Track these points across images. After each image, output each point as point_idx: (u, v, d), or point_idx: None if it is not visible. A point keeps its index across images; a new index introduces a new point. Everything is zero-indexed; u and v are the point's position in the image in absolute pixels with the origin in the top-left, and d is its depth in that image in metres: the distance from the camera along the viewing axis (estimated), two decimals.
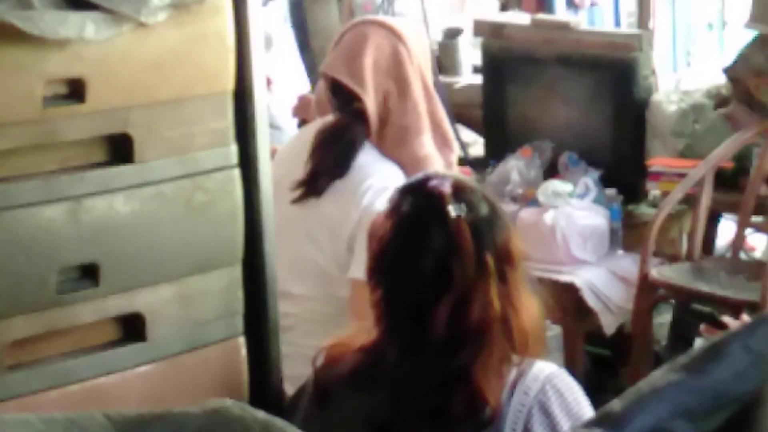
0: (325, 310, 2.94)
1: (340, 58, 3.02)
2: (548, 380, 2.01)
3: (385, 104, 3.01)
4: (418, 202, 2.05)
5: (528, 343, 2.03)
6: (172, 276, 2.15)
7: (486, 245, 2.01)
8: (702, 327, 2.72)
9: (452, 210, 2.01)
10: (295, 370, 2.46)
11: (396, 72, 3.01)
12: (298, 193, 2.98)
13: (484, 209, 2.04)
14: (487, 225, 2.03)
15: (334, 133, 2.98)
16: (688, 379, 1.50)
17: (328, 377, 2.11)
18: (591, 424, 1.57)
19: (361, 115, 2.98)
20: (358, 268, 2.65)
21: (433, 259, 2.00)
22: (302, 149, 3.03)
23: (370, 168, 2.95)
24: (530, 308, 2.05)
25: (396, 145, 3.03)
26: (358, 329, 2.14)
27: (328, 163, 2.95)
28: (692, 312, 3.50)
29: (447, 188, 2.03)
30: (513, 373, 2.01)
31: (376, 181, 2.92)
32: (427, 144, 3.07)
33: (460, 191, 2.04)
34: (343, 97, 3.01)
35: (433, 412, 1.99)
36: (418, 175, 2.13)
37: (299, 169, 3.00)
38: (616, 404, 1.55)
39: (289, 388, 2.42)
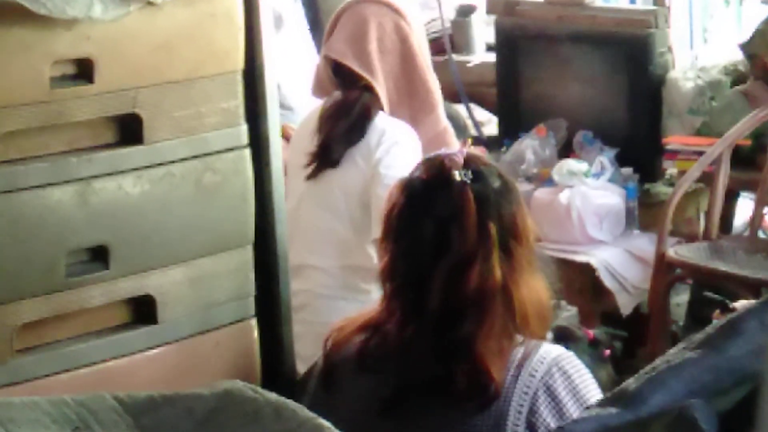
0: (339, 283, 2.92)
1: (343, 41, 2.99)
2: (555, 362, 1.98)
3: (395, 86, 2.99)
4: (429, 169, 2.06)
5: (529, 320, 2.00)
6: (182, 258, 2.14)
7: (490, 215, 2.00)
8: (716, 314, 2.69)
9: (457, 175, 2.01)
10: (309, 350, 2.44)
11: (402, 49, 2.99)
12: (312, 168, 2.96)
13: (495, 182, 2.03)
14: (495, 196, 2.02)
15: (346, 105, 2.96)
16: (705, 357, 1.48)
17: (336, 359, 2.09)
18: (606, 402, 1.56)
19: (371, 90, 2.96)
20: (378, 228, 2.62)
21: (435, 222, 2.00)
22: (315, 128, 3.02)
23: (381, 127, 2.94)
24: (534, 287, 2.03)
25: (412, 125, 3.01)
26: (369, 308, 2.13)
27: (341, 131, 2.94)
28: (704, 299, 3.48)
29: (459, 157, 2.04)
30: (519, 354, 1.98)
31: (387, 137, 2.92)
32: (442, 118, 3.06)
33: (471, 162, 2.05)
34: (348, 77, 2.99)
35: (437, 385, 1.97)
36: (441, 150, 2.15)
37: (312, 145, 2.99)
38: (631, 383, 1.53)
39: (303, 369, 2.41)
